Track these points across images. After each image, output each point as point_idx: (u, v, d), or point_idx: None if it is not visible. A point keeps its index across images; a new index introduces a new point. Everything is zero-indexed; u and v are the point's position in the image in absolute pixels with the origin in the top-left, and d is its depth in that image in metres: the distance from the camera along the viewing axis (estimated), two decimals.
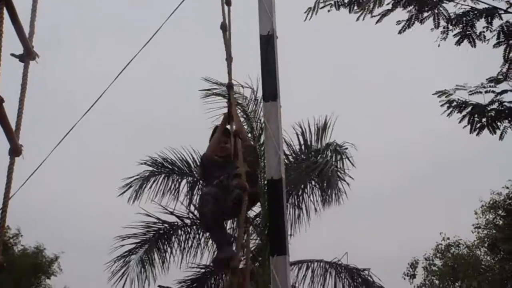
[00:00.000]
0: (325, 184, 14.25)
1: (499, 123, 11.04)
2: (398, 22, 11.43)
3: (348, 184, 14.23)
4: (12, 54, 3.09)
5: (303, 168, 14.34)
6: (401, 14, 11.44)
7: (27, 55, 3.14)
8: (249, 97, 14.70)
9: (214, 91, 14.14)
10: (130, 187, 14.27)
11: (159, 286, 13.86)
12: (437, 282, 30.34)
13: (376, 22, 11.44)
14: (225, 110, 7.17)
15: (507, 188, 27.31)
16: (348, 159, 14.27)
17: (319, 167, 14.09)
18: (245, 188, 5.63)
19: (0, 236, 2.82)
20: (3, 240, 2.85)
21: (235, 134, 6.25)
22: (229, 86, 6.67)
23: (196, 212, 13.80)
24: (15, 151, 2.94)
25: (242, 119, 14.54)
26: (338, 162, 14.44)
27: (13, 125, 2.96)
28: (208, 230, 6.77)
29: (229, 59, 6.55)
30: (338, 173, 14.20)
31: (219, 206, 5.84)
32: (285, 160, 13.17)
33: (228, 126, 6.55)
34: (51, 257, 28.68)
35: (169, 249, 14.08)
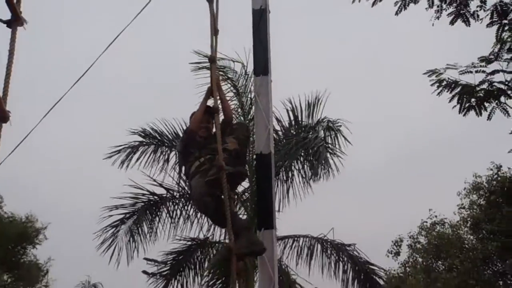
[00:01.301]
0: (314, 160, 14.26)
1: (487, 104, 11.02)
2: (396, 3, 11.36)
3: (340, 160, 14.25)
4: None
5: (293, 144, 14.31)
6: None
7: (15, 21, 3.08)
8: (239, 71, 14.59)
9: (204, 64, 13.99)
10: (118, 152, 14.17)
11: (144, 258, 13.89)
12: (420, 260, 30.62)
13: (372, 5, 11.36)
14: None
15: (491, 170, 27.59)
16: (343, 136, 14.26)
17: (309, 143, 14.09)
18: (222, 168, 5.48)
19: None
20: None
21: (214, 111, 6.08)
22: (212, 59, 6.42)
23: (183, 184, 13.86)
24: (2, 117, 2.91)
25: (231, 94, 14.51)
26: (328, 138, 14.47)
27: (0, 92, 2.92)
28: (224, 226, 6.29)
29: (213, 31, 6.29)
30: (329, 149, 14.20)
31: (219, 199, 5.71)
32: (275, 135, 13.13)
33: (210, 102, 6.36)
34: (38, 227, 28.69)
35: (157, 220, 14.09)
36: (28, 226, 27.96)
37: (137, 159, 14.26)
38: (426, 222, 30.21)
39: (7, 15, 3.07)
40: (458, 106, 11.19)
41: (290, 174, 14.60)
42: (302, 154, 14.58)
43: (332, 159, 14.19)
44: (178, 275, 13.97)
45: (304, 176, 14.58)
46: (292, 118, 14.81)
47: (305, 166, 14.60)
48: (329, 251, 14.65)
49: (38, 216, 28.63)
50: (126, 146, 14.35)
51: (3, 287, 26.35)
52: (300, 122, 14.86)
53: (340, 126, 14.65)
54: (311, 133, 14.64)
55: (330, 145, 14.23)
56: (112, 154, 14.24)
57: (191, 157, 5.98)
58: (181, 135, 14.37)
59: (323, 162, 14.03)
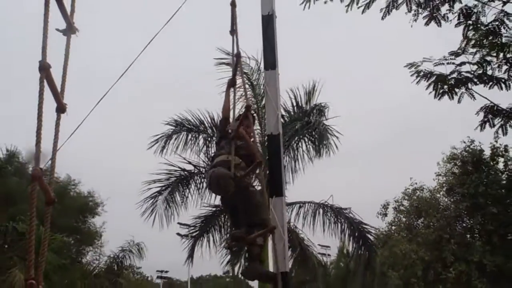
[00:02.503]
0: (316, 140, 14.32)
1: (457, 90, 10.98)
2: (381, 10, 11.28)
3: (338, 138, 14.29)
4: (57, 29, 3.04)
5: (299, 127, 14.41)
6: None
7: (69, 30, 3.09)
8: (253, 67, 14.63)
9: (225, 61, 13.97)
10: (157, 142, 14.25)
11: (178, 223, 14.01)
12: (404, 219, 30.59)
13: (362, 12, 11.26)
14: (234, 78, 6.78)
15: (464, 142, 27.48)
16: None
17: (313, 126, 14.20)
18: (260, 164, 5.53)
19: (51, 178, 2.83)
20: (54, 182, 2.86)
21: (232, 84, 6.26)
22: (238, 55, 6.29)
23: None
24: (60, 109, 2.93)
25: (247, 86, 14.53)
26: (323, 119, 14.57)
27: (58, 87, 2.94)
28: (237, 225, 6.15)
29: (234, 32, 6.18)
30: (329, 130, 14.25)
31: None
32: (282, 120, 13.15)
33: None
34: (97, 201, 29.06)
35: (187, 191, 14.18)
36: (89, 200, 28.22)
37: (172, 143, 14.34)
38: (409, 188, 30.15)
39: (62, 24, 3.08)
40: (434, 92, 11.16)
41: (296, 152, 14.66)
42: (307, 134, 14.63)
43: (332, 139, 14.24)
44: (205, 234, 14.09)
45: (307, 152, 14.64)
46: (294, 104, 14.88)
47: (309, 144, 14.64)
48: (329, 214, 14.72)
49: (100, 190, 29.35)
50: (163, 135, 14.38)
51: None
52: (301, 107, 14.92)
53: (327, 108, 14.81)
54: (312, 117, 14.68)
55: (329, 127, 14.27)
56: (153, 144, 14.25)
57: (222, 150, 5.88)
58: (204, 122, 14.44)
59: (325, 141, 14.10)
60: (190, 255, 14.22)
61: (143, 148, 14.55)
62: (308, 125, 14.32)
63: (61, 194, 25.96)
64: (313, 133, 14.35)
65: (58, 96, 2.91)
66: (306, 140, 14.74)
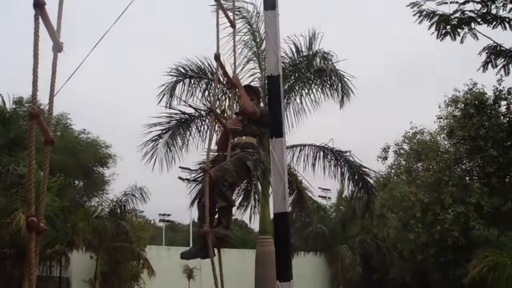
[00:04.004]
0: (328, 85, 14.40)
1: (460, 30, 10.80)
2: None
3: (351, 82, 14.34)
4: None
5: (310, 74, 14.44)
6: None
7: None
8: (252, 11, 14.43)
9: (224, 3, 13.70)
10: (164, 94, 14.09)
11: (179, 167, 14.05)
12: (403, 163, 30.83)
13: None
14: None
15: (467, 85, 27.34)
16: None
17: (324, 73, 14.25)
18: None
19: (50, 114, 2.84)
20: (51, 120, 2.86)
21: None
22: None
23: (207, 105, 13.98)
24: (57, 47, 2.90)
25: (246, 30, 14.38)
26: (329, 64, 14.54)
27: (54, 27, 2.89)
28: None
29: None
30: (341, 74, 14.26)
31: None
32: (282, 65, 13.14)
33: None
34: (110, 152, 29.17)
35: (188, 134, 14.19)
36: (103, 152, 28.48)
37: (178, 91, 14.22)
38: (409, 132, 30.25)
39: None
40: (436, 32, 10.98)
41: (299, 97, 14.68)
42: (312, 79, 14.62)
43: (344, 83, 14.25)
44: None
45: (309, 95, 14.64)
46: (294, 50, 14.77)
47: (313, 89, 14.63)
48: (329, 157, 14.82)
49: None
50: (168, 83, 14.19)
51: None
52: (302, 52, 14.82)
53: (332, 56, 14.74)
54: (315, 61, 14.69)
55: (342, 71, 14.30)
56: (161, 96, 14.08)
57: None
58: (205, 68, 14.33)
59: (336, 86, 14.16)
60: (194, 201, 14.16)
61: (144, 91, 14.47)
62: (320, 71, 14.34)
63: (73, 142, 26.30)
64: (323, 77, 14.38)
65: (54, 35, 2.87)
66: (310, 84, 14.73)
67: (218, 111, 13.66)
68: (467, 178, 28.47)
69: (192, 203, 13.71)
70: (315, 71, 14.48)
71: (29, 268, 2.52)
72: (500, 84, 25.91)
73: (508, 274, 17.94)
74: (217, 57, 5.29)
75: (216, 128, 8.04)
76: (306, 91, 14.69)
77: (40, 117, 2.55)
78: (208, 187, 4.65)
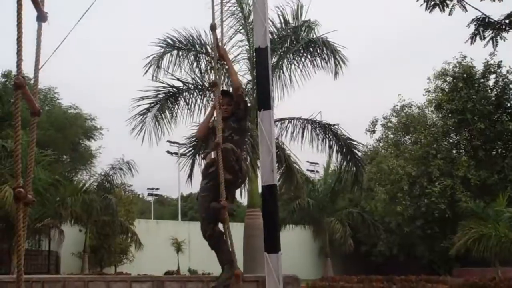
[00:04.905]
0: (318, 57, 14.33)
1: (448, 2, 10.70)
2: None
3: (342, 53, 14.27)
4: None
5: (301, 45, 14.37)
6: None
7: None
8: None
9: None
10: (151, 66, 13.94)
11: (168, 141, 14.01)
12: (391, 136, 31.02)
13: None
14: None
15: (456, 59, 27.43)
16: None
17: (316, 43, 14.17)
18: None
19: (36, 85, 2.82)
20: (37, 91, 2.84)
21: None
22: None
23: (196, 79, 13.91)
24: (41, 17, 2.86)
25: (234, 0, 14.25)
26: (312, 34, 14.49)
27: None
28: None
29: None
30: (332, 45, 14.19)
31: None
32: (270, 36, 13.05)
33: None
34: (96, 125, 29.38)
35: (176, 107, 14.12)
36: (89, 124, 28.60)
37: (166, 63, 14.08)
38: (397, 105, 30.38)
39: None
40: (425, 4, 10.89)
41: (288, 69, 14.64)
42: (302, 51, 14.55)
43: (332, 54, 14.18)
44: (197, 155, 14.17)
45: (299, 68, 14.60)
46: (282, 20, 14.69)
47: (304, 61, 14.57)
48: (317, 130, 14.85)
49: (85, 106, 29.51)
50: (155, 54, 14.02)
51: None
52: (289, 24, 14.75)
53: (317, 25, 14.69)
54: (301, 33, 14.58)
55: (332, 42, 14.22)
56: (147, 67, 13.91)
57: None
58: (195, 39, 14.19)
59: (327, 58, 14.11)
60: (190, 175, 14.13)
61: (129, 64, 14.33)
62: (311, 43, 14.25)
63: (61, 117, 26.20)
64: (315, 49, 14.30)
65: (38, 4, 2.83)
66: (299, 57, 14.67)
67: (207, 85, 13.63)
68: (455, 151, 28.76)
69: (189, 177, 13.80)
70: (306, 43, 14.39)
71: (18, 240, 2.53)
72: (492, 59, 26.07)
73: (493, 245, 18.25)
74: (213, 27, 5.25)
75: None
76: (296, 64, 14.64)
77: (25, 88, 2.53)
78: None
